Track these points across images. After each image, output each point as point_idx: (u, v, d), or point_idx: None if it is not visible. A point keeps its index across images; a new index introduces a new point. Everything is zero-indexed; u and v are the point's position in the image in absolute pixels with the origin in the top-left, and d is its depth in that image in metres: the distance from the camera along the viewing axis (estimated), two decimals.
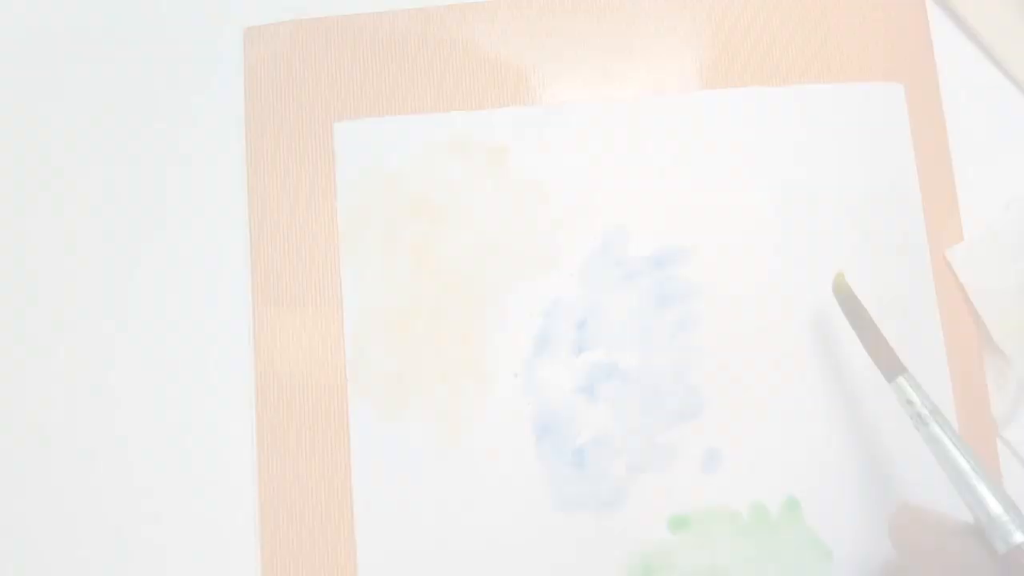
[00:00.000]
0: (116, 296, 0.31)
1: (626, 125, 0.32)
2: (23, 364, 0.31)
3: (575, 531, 0.29)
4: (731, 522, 0.29)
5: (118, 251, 0.32)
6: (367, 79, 0.32)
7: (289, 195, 0.31)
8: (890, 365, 0.26)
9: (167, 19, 0.33)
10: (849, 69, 0.32)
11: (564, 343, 0.30)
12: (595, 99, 0.32)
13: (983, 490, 0.23)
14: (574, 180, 0.31)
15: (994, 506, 0.23)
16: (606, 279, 0.30)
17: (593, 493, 0.29)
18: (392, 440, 0.29)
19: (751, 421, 0.30)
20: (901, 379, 0.26)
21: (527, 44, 0.32)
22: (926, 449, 0.25)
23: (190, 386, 0.31)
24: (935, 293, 0.31)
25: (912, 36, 0.33)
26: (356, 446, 0.29)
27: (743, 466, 0.29)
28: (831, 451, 0.29)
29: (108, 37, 0.33)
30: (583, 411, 0.30)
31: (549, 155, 0.31)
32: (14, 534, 0.30)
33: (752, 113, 0.32)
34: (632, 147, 0.31)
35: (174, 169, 0.32)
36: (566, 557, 0.29)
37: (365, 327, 0.30)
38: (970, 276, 0.31)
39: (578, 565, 0.29)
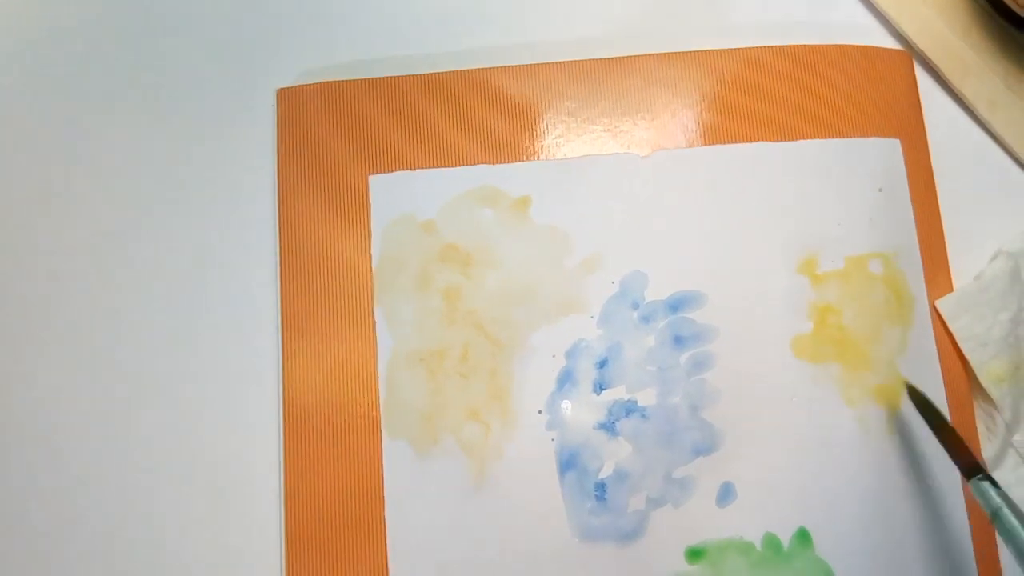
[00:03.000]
0: (153, 343, 0.32)
1: (640, 177, 0.33)
2: (58, 394, 0.32)
3: (597, 561, 0.30)
4: (745, 553, 0.30)
5: (157, 298, 0.33)
6: (397, 136, 0.33)
7: (323, 244, 0.32)
8: (968, 464, 0.27)
9: (202, 80, 0.35)
10: (847, 126, 0.33)
11: (586, 382, 0.31)
12: (609, 154, 0.33)
13: None
14: (593, 229, 0.32)
15: None
16: (625, 321, 0.32)
17: (614, 525, 0.30)
18: (423, 476, 0.30)
19: (764, 455, 0.31)
20: (975, 479, 0.27)
21: (546, 102, 0.34)
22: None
23: (220, 427, 0.32)
24: (935, 342, 0.32)
25: (902, 94, 0.34)
26: (389, 483, 0.30)
27: (756, 499, 0.30)
28: (842, 484, 0.30)
29: (144, 96, 0.35)
30: (604, 446, 0.31)
31: (569, 205, 0.33)
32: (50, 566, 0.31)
33: (759, 166, 0.33)
34: (646, 198, 0.33)
35: (209, 219, 0.33)
36: None
37: (398, 369, 0.31)
38: (959, 325, 0.32)
39: None
